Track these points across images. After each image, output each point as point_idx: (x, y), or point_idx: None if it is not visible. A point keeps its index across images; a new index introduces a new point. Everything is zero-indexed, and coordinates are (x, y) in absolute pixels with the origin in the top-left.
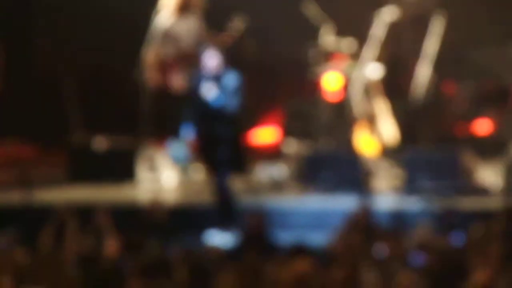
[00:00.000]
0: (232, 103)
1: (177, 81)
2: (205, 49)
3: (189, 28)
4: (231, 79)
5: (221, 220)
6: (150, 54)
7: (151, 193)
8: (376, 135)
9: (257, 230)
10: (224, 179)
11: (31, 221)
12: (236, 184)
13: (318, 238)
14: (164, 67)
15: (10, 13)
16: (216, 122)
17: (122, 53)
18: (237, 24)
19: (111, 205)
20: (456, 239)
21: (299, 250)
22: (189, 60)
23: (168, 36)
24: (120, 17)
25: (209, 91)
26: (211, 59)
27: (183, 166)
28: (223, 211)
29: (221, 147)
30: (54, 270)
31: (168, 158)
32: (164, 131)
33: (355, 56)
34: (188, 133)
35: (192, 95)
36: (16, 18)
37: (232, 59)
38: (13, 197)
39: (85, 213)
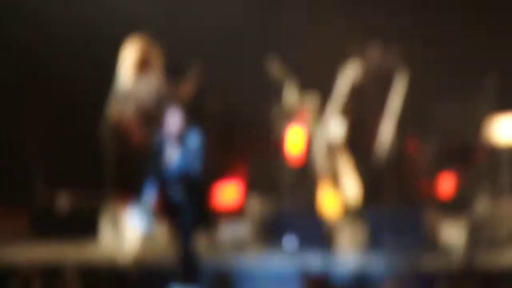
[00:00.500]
0: (194, 165)
1: (138, 140)
2: (167, 108)
3: (149, 86)
4: (194, 139)
5: (184, 278)
6: (112, 114)
7: (114, 251)
8: (339, 193)
9: None
10: (188, 239)
11: None
12: (200, 242)
13: None
14: (126, 126)
15: None
16: (179, 186)
17: (83, 110)
18: (196, 71)
19: (76, 264)
20: None
21: None
22: (149, 118)
23: (128, 95)
24: (82, 73)
25: (171, 155)
26: (173, 119)
27: (146, 230)
28: (187, 270)
29: (184, 209)
30: None
31: (130, 219)
32: (127, 190)
33: (319, 111)
34: (150, 195)
35: (154, 159)
36: None
37: (194, 116)
38: None
39: (49, 272)
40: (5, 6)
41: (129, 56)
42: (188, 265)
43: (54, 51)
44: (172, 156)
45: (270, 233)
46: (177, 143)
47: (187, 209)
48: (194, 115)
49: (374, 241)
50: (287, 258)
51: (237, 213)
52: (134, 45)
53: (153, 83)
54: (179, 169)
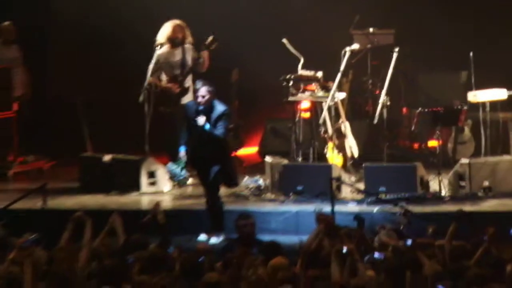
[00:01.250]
0: (220, 130)
1: (175, 104)
2: (200, 84)
3: (180, 57)
4: (219, 109)
5: (211, 225)
6: (153, 79)
7: (152, 200)
8: (342, 150)
9: (247, 230)
10: (215, 190)
11: (48, 225)
12: (224, 193)
13: (293, 239)
14: (162, 90)
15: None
16: (207, 146)
17: (127, 81)
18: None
19: (120, 210)
20: (408, 240)
21: (275, 250)
22: (180, 83)
23: (164, 64)
24: (126, 49)
25: (201, 121)
26: (203, 92)
27: (179, 180)
28: (213, 217)
29: (212, 165)
30: (71, 264)
31: (167, 173)
32: (163, 149)
33: (325, 84)
34: (184, 154)
35: (187, 123)
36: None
37: (219, 89)
38: (33, 203)
39: (98, 217)
40: None
41: (164, 33)
42: (214, 215)
43: (109, 31)
44: (202, 121)
45: (283, 183)
46: (206, 114)
47: (214, 165)
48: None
49: (372, 191)
50: (299, 202)
51: (256, 167)
52: (169, 25)
53: (182, 55)
54: (208, 132)
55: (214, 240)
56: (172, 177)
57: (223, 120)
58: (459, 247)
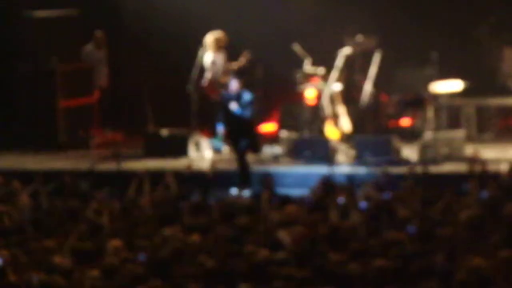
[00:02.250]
0: (247, 112)
1: (213, 96)
2: (230, 78)
3: (222, 60)
4: (246, 97)
5: (240, 183)
6: (206, 76)
7: (197, 163)
8: (338, 127)
9: (269, 185)
10: (244, 156)
11: (121, 182)
12: (251, 158)
13: (301, 192)
14: (210, 84)
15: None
16: (238, 124)
17: (180, 72)
18: (247, 55)
19: (173, 170)
20: (387, 194)
21: (288, 200)
22: (219, 83)
23: (211, 65)
24: (179, 46)
25: (233, 106)
26: (234, 84)
27: (218, 149)
28: (243, 176)
29: (241, 138)
30: (137, 212)
31: (208, 143)
32: (205, 125)
33: (325, 78)
34: (221, 130)
35: (223, 107)
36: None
37: (247, 82)
38: (109, 166)
39: (157, 176)
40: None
41: (211, 41)
42: (243, 174)
43: (169, 34)
44: (234, 106)
45: (294, 151)
46: (236, 100)
47: (243, 138)
48: (247, 81)
49: (359, 157)
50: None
51: (274, 139)
52: (215, 35)
53: (223, 58)
54: (238, 114)
55: (243, 193)
56: (213, 147)
57: (250, 105)
58: (427, 198)
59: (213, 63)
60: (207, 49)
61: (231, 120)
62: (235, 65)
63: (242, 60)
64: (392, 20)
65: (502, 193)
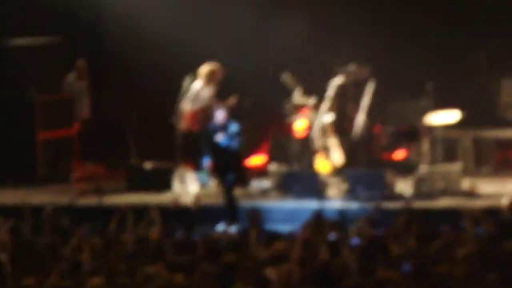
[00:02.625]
0: (234, 143)
1: (196, 128)
2: (216, 108)
3: (209, 93)
4: (233, 127)
5: (228, 217)
6: (186, 106)
7: (182, 198)
8: (329, 160)
9: (256, 221)
10: (231, 190)
11: (102, 217)
12: (238, 192)
13: (291, 228)
14: (194, 115)
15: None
16: (225, 156)
17: (164, 104)
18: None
19: (157, 205)
20: (380, 230)
21: (276, 236)
22: (206, 114)
23: (197, 96)
24: (163, 77)
25: (219, 137)
26: (220, 114)
27: (205, 183)
28: (230, 211)
29: (228, 171)
30: (118, 249)
31: (194, 177)
32: (190, 158)
33: (316, 108)
34: (207, 163)
35: (209, 139)
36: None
37: (234, 113)
38: (90, 201)
39: (140, 211)
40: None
41: (205, 72)
42: (230, 209)
43: (154, 64)
44: (220, 137)
45: (284, 184)
46: (223, 130)
47: (230, 171)
48: (234, 112)
49: (352, 191)
50: (295, 200)
51: (263, 172)
52: (211, 66)
53: (211, 92)
54: (225, 146)
55: (230, 228)
56: (198, 183)
57: (236, 136)
58: (422, 235)
59: (202, 94)
60: (199, 79)
61: (218, 153)
62: (222, 105)
63: (230, 102)
64: (386, 49)
65: (501, 229)
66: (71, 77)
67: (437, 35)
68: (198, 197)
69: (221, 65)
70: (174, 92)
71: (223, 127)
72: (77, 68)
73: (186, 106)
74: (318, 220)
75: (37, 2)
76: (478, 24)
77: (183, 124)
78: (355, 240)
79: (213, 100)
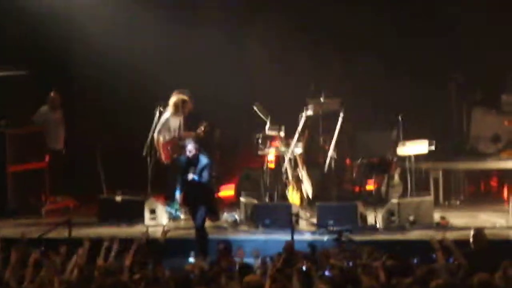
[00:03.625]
0: (205, 177)
1: (166, 158)
2: (187, 140)
3: (178, 124)
4: (203, 161)
5: (199, 250)
6: (157, 137)
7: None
8: (300, 192)
9: (227, 254)
10: (202, 224)
11: (74, 249)
12: (208, 224)
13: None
14: (161, 147)
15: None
16: (195, 190)
17: (134, 134)
18: (206, 126)
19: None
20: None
21: (248, 269)
22: (176, 144)
23: (167, 126)
24: (133, 109)
25: (190, 176)
26: (191, 147)
27: (176, 217)
28: (201, 244)
29: (199, 205)
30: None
31: (165, 210)
32: (162, 191)
33: (287, 140)
34: (178, 196)
35: (180, 173)
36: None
37: (203, 143)
38: (61, 233)
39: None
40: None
41: (174, 102)
42: (201, 242)
43: (123, 96)
44: (191, 170)
45: (254, 217)
46: (194, 163)
47: (201, 205)
48: (203, 143)
49: (323, 224)
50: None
51: (233, 204)
52: (180, 96)
53: (179, 123)
54: (196, 178)
55: (201, 262)
56: (169, 215)
57: (207, 169)
58: (392, 267)
59: (171, 124)
60: (168, 109)
61: (188, 187)
62: (192, 134)
63: (200, 130)
64: (356, 82)
65: (469, 261)
66: (44, 109)
67: (407, 67)
68: (165, 230)
69: (190, 95)
70: (145, 124)
71: (193, 160)
72: (50, 100)
73: (158, 136)
74: (289, 252)
75: (5, 35)
76: (447, 57)
77: (158, 154)
78: (327, 273)
79: (182, 130)
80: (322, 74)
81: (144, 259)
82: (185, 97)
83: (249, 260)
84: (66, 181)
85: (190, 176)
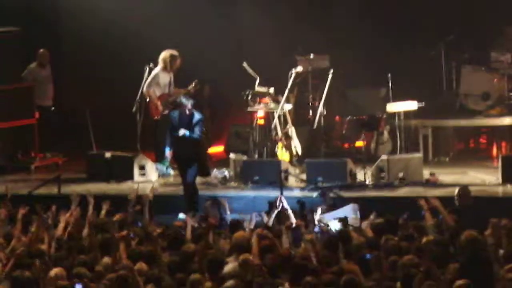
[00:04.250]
0: (197, 133)
1: (155, 114)
2: (186, 99)
3: (168, 80)
4: (197, 116)
5: (188, 206)
6: (147, 91)
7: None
8: (289, 149)
9: (217, 210)
10: (193, 180)
11: (64, 205)
12: (198, 181)
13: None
14: (151, 102)
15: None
16: (186, 147)
17: (123, 92)
18: (196, 83)
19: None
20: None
21: (237, 225)
22: (166, 99)
23: (157, 81)
24: (122, 67)
25: (181, 132)
26: (187, 103)
27: (166, 174)
28: (190, 201)
29: (189, 160)
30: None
31: (155, 169)
32: (151, 148)
33: (276, 97)
34: (168, 153)
35: (171, 129)
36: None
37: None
38: (51, 190)
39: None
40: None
41: (164, 58)
42: (191, 199)
43: (112, 54)
44: (183, 126)
45: (244, 174)
46: (188, 118)
47: (191, 159)
48: (197, 102)
49: (312, 180)
50: (255, 189)
51: (223, 161)
52: (170, 52)
53: (170, 79)
54: (187, 134)
55: (191, 218)
56: (159, 172)
57: (199, 125)
58: (379, 224)
59: (161, 80)
60: (158, 65)
61: (179, 142)
62: (183, 91)
63: (191, 88)
64: (344, 40)
65: (458, 218)
66: (33, 66)
67: (397, 25)
68: (154, 187)
69: (180, 52)
70: (134, 82)
71: (188, 117)
72: (39, 57)
73: (147, 90)
74: (278, 209)
75: None
76: (435, 16)
77: (147, 113)
78: (316, 229)
79: (172, 86)
80: (312, 32)
81: (132, 216)
82: (174, 53)
83: (239, 216)
84: (55, 138)
85: (182, 131)
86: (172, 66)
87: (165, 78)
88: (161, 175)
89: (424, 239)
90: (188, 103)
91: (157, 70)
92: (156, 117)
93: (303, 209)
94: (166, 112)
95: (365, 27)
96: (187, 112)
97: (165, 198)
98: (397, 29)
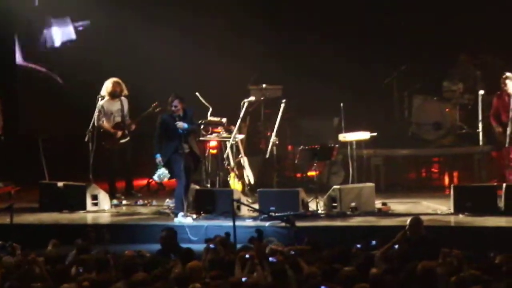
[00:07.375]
0: (194, 123)
1: (109, 143)
2: (172, 100)
3: (118, 107)
4: (189, 111)
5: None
6: (98, 124)
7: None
8: (242, 178)
9: (171, 240)
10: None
11: (15, 236)
12: (150, 210)
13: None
14: (102, 132)
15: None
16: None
17: (77, 121)
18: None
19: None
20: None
21: (190, 255)
22: (120, 126)
23: (105, 113)
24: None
25: (181, 125)
26: (177, 103)
27: (164, 177)
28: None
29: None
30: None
31: (155, 177)
32: (103, 178)
33: (229, 127)
34: (159, 159)
35: (167, 132)
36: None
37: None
38: (4, 219)
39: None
40: None
41: (106, 88)
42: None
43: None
44: (180, 124)
45: (196, 203)
46: (181, 116)
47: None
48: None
49: (265, 210)
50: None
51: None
52: (109, 82)
53: (119, 106)
54: (186, 126)
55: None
56: (161, 177)
57: (193, 118)
58: (333, 253)
59: (106, 109)
60: (105, 96)
61: (181, 139)
62: (137, 120)
63: (151, 109)
64: (298, 70)
65: (410, 248)
66: None
67: (350, 56)
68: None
69: (124, 80)
70: (88, 110)
71: (183, 115)
72: None
73: (100, 125)
74: (228, 240)
75: None
76: (389, 46)
77: (100, 142)
78: (271, 259)
79: (126, 110)
80: (265, 62)
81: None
82: (116, 79)
83: (192, 246)
84: (6, 167)
85: (180, 124)
86: (116, 93)
87: (111, 106)
88: (165, 179)
89: (373, 270)
90: (175, 101)
91: (101, 102)
92: (111, 147)
93: (261, 237)
94: (133, 127)
95: (319, 57)
96: (177, 111)
97: (120, 227)
98: (350, 59)
